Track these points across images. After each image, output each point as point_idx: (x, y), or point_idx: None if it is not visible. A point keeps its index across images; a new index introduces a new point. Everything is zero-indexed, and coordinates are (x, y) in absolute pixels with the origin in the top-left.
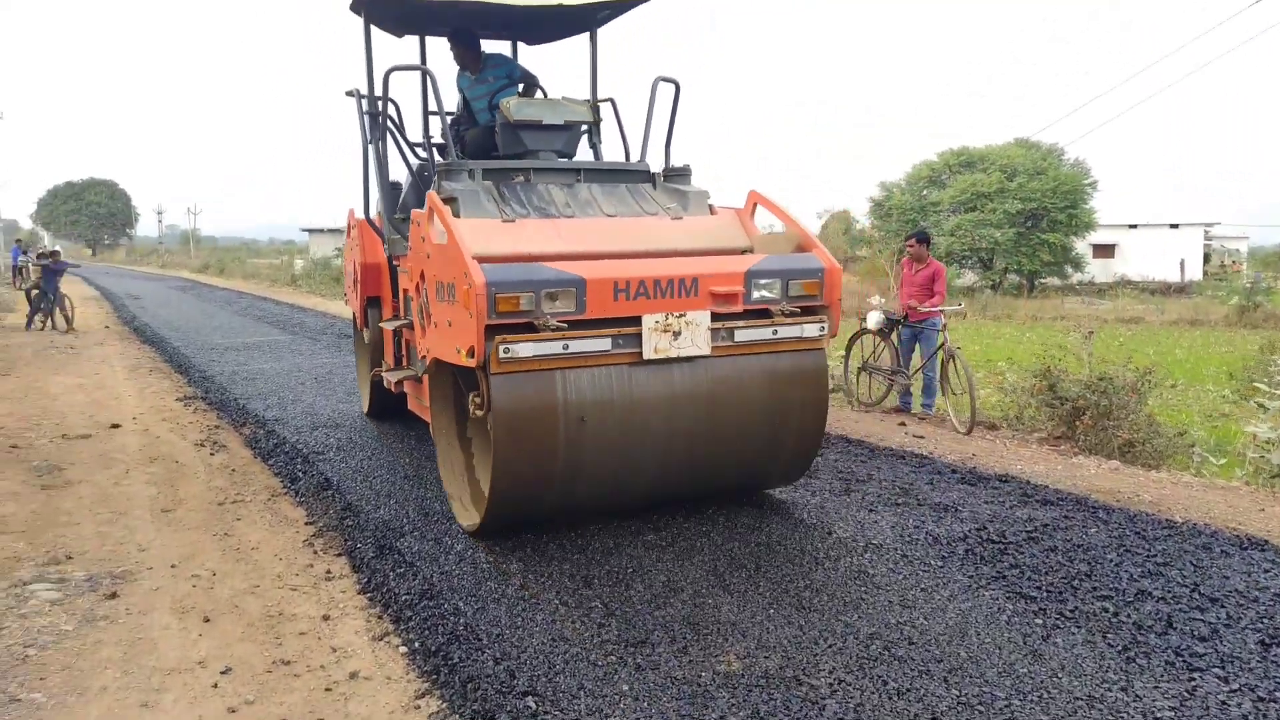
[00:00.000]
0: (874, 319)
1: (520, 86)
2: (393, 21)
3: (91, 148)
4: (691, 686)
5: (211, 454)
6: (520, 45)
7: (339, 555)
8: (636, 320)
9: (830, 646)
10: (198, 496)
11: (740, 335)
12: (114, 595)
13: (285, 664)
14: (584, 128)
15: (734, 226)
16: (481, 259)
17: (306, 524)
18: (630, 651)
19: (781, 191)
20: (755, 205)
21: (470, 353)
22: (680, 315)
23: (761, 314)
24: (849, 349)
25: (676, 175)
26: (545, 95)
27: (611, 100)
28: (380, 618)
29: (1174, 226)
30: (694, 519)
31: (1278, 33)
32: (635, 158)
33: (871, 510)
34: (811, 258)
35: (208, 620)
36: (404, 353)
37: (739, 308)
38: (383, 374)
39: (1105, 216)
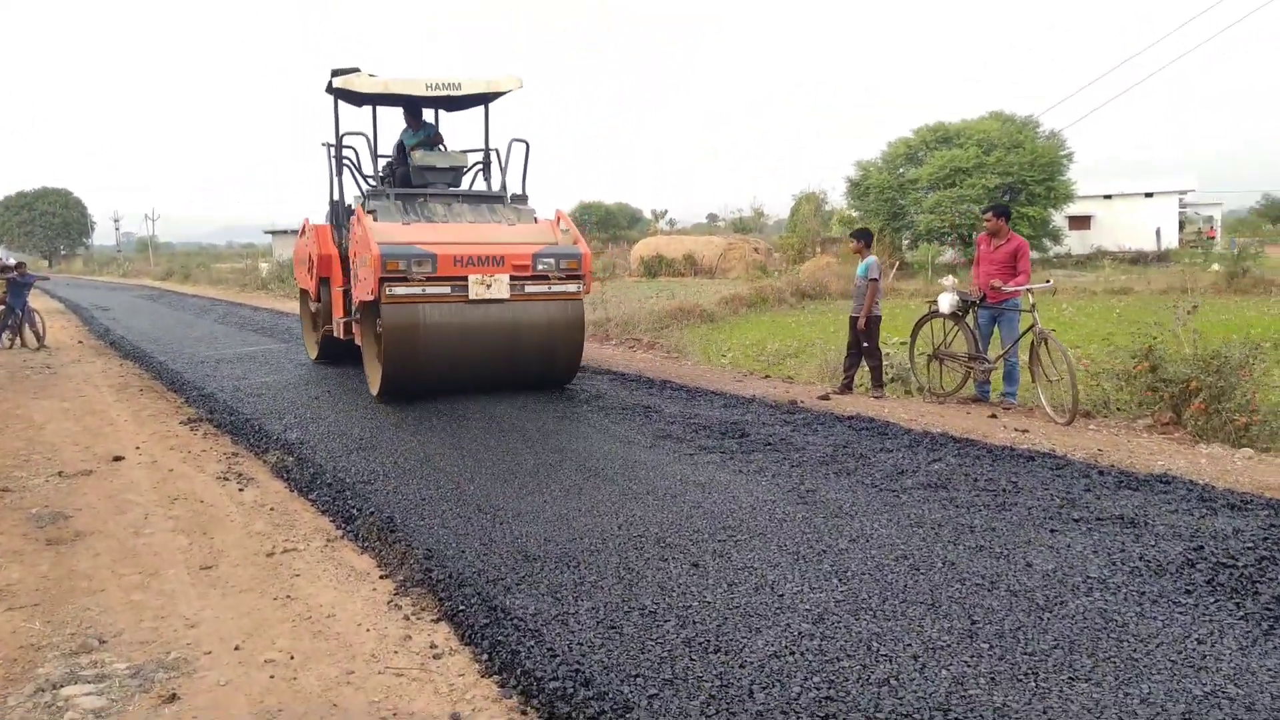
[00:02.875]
0: (947, 301)
1: (440, 145)
2: (353, 102)
3: (41, 156)
4: None
5: (240, 489)
6: (443, 112)
7: (437, 620)
8: (464, 278)
9: None
10: (239, 546)
11: (529, 288)
12: (173, 698)
13: None
14: (469, 170)
15: (543, 230)
16: (382, 243)
17: (382, 577)
18: None
19: (778, 166)
20: (559, 218)
21: (373, 291)
22: (491, 276)
23: (544, 278)
24: (914, 334)
25: (517, 199)
26: (445, 149)
27: (496, 150)
28: (524, 713)
29: (1148, 195)
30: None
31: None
32: (513, 188)
33: (1053, 530)
34: (576, 248)
35: None
36: (349, 307)
37: (529, 273)
38: (335, 321)
39: (1080, 188)
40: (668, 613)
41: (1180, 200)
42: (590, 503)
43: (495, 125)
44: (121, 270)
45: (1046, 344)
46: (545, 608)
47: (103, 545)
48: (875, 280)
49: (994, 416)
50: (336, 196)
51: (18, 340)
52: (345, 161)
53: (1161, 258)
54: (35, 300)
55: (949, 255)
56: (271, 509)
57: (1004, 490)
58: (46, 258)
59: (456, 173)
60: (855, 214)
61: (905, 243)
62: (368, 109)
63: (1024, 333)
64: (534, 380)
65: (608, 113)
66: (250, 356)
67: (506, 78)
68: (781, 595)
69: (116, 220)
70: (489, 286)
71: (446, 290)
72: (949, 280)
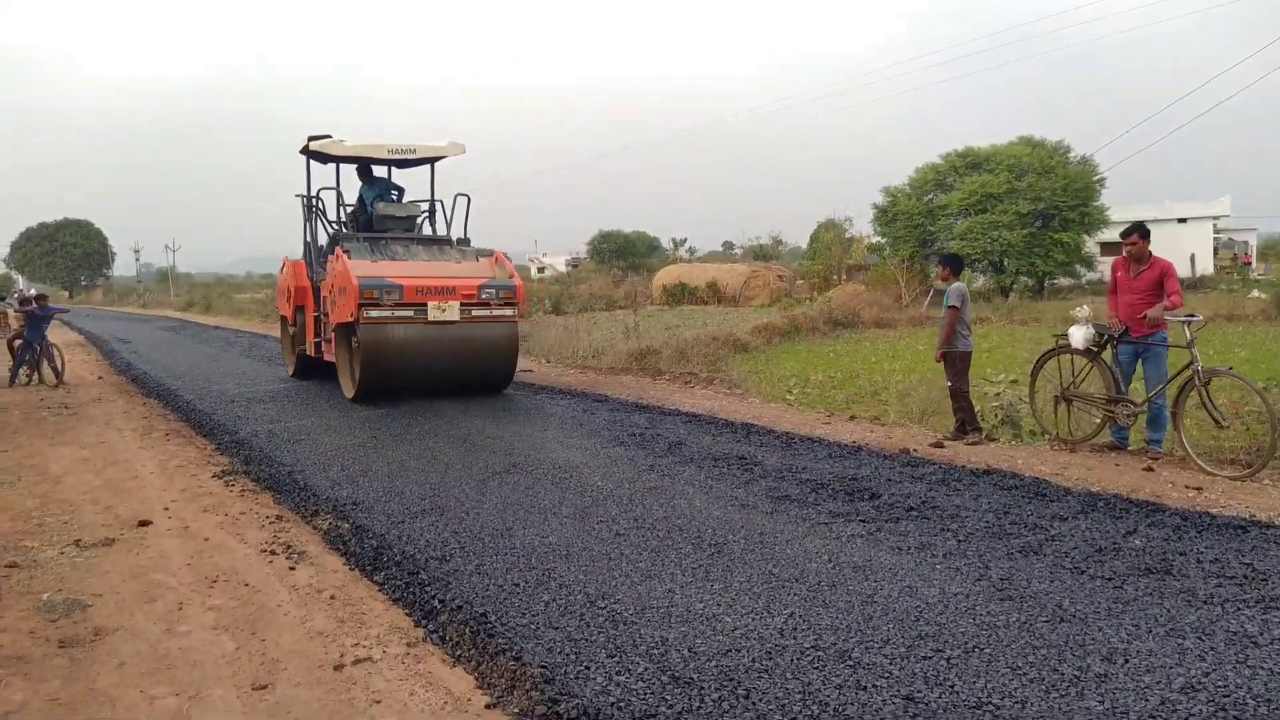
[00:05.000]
0: (1080, 335)
1: (393, 194)
2: (320, 161)
3: (63, 188)
4: None
5: (290, 567)
6: (395, 170)
7: None
8: (424, 304)
9: None
10: (298, 652)
11: (475, 312)
12: None
13: None
14: (420, 217)
15: (485, 266)
16: (360, 276)
17: (489, 706)
18: None
19: (794, 193)
20: (497, 256)
21: (352, 314)
22: (446, 302)
23: (486, 305)
24: (1036, 371)
25: (463, 242)
26: (401, 199)
27: (440, 201)
28: None
29: (1182, 221)
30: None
31: None
32: (456, 231)
33: None
34: (511, 281)
35: None
36: (320, 330)
37: (475, 300)
38: (309, 342)
39: (1113, 213)
40: None
41: (1214, 225)
42: (731, 594)
43: (522, 159)
44: (142, 301)
45: (1208, 386)
46: None
47: (128, 649)
48: (954, 308)
49: (1149, 469)
50: (309, 239)
51: (35, 376)
52: (316, 210)
53: (1196, 284)
54: (55, 333)
55: (980, 282)
56: (332, 597)
57: (1248, 579)
58: (67, 288)
59: (411, 220)
60: (882, 240)
61: (935, 270)
62: (332, 166)
63: (1180, 371)
64: (477, 384)
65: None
66: (283, 395)
67: (450, 144)
68: None
69: (137, 251)
70: (444, 310)
71: (410, 313)
72: (1083, 311)
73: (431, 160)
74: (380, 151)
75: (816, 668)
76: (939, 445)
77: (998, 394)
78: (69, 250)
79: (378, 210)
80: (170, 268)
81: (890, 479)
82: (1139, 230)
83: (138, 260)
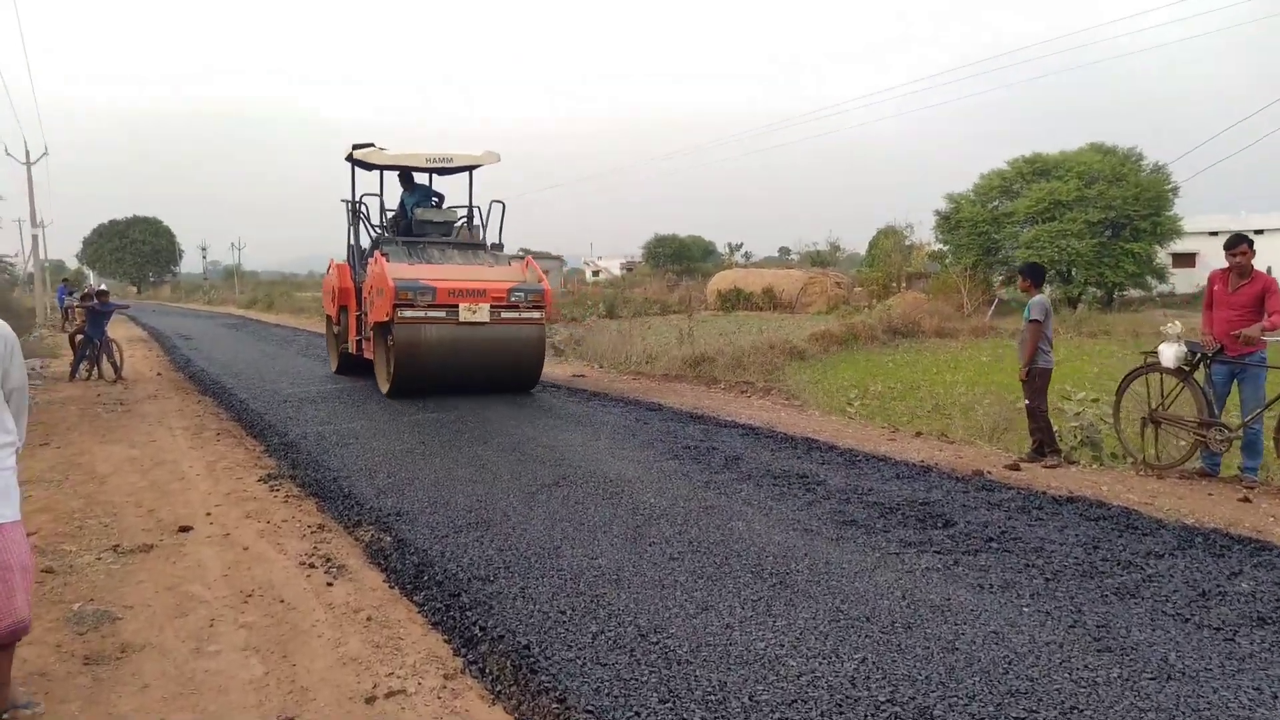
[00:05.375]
0: (1172, 353)
1: (432, 200)
2: (364, 169)
3: (133, 186)
4: None
5: (329, 583)
6: (437, 178)
7: None
8: (456, 306)
9: None
10: (329, 681)
11: (504, 314)
12: None
13: None
14: (458, 222)
15: (515, 271)
16: (396, 278)
17: None
18: None
19: (851, 200)
20: (528, 261)
21: (388, 314)
22: (477, 305)
23: (515, 307)
24: (1121, 391)
25: (496, 248)
26: (441, 205)
27: (478, 207)
28: None
29: (1259, 233)
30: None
31: None
32: (491, 238)
33: None
34: (539, 285)
35: None
36: (361, 328)
37: (505, 303)
38: (350, 340)
39: (1185, 224)
40: None
41: None
42: (795, 633)
43: (579, 162)
44: (207, 298)
45: None
46: None
47: (154, 669)
48: (1037, 322)
49: (1246, 500)
50: (353, 242)
51: (95, 371)
52: (360, 215)
53: None
54: (119, 328)
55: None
56: (368, 619)
57: None
58: (136, 284)
59: (449, 225)
60: (944, 248)
61: (999, 279)
62: (375, 173)
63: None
64: (506, 383)
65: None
66: (335, 395)
67: (485, 154)
68: None
69: (204, 248)
70: (475, 312)
71: (443, 314)
72: (1174, 327)
73: (469, 168)
74: (418, 160)
75: None
76: (1015, 468)
77: (1077, 413)
78: (138, 247)
79: (416, 216)
80: (235, 265)
81: (965, 504)
82: (1248, 241)
83: (204, 257)
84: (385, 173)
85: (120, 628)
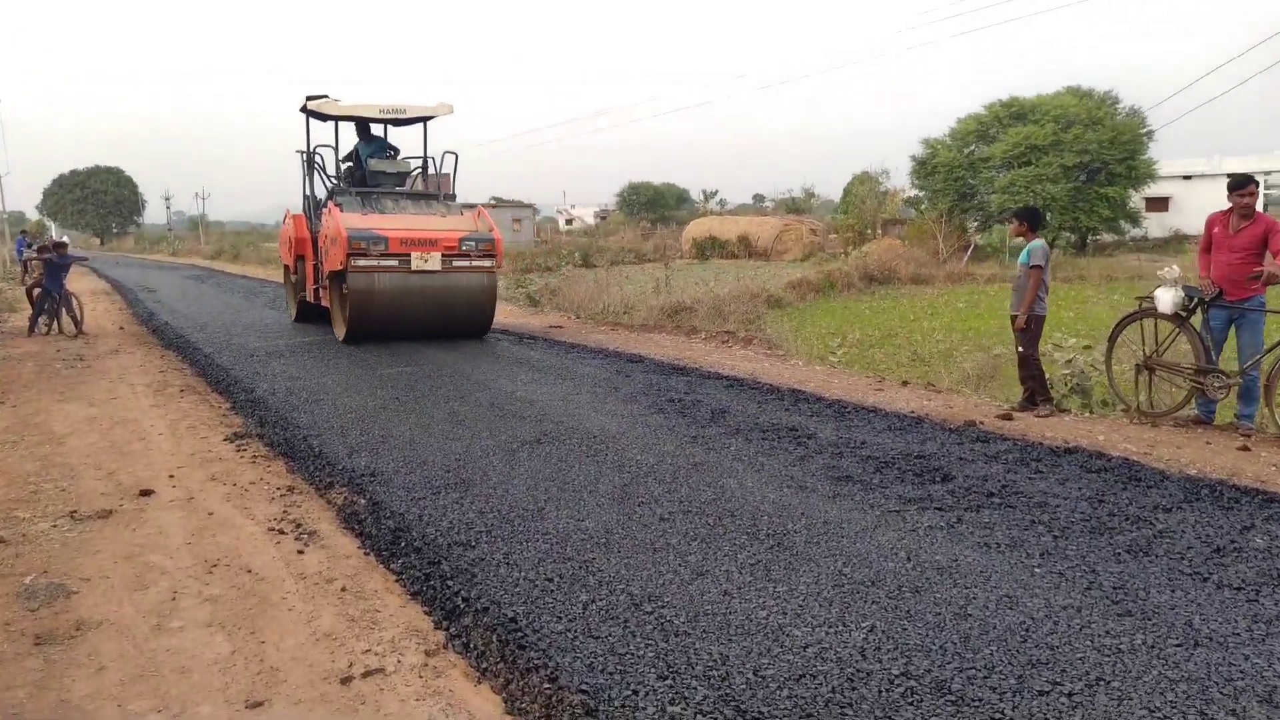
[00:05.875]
0: (1168, 298)
1: (387, 152)
2: (319, 120)
3: (94, 136)
4: None
5: (299, 551)
6: (391, 128)
7: None
8: (408, 255)
9: None
10: (301, 659)
11: (455, 263)
12: None
13: None
14: (412, 173)
15: (467, 220)
16: (349, 228)
17: None
18: None
19: (826, 145)
20: (480, 211)
21: (341, 263)
22: (428, 254)
23: (466, 256)
24: (1114, 337)
25: (448, 198)
26: (395, 157)
27: (432, 158)
28: None
29: (1230, 176)
30: None
31: None
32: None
33: None
34: (490, 234)
35: None
36: (318, 277)
37: (456, 251)
38: (308, 289)
39: (1159, 168)
40: None
41: (1264, 182)
42: (798, 600)
43: (551, 111)
44: (171, 249)
45: None
46: None
47: (111, 649)
48: (1039, 267)
49: (1245, 449)
50: (309, 192)
51: (54, 326)
52: (315, 165)
53: None
54: (81, 281)
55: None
56: (343, 589)
57: None
58: (99, 236)
59: (402, 176)
60: (919, 193)
61: (974, 224)
62: (330, 124)
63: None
64: (459, 330)
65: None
66: (303, 349)
67: (439, 105)
68: None
69: (167, 199)
70: (426, 261)
71: (395, 263)
72: (1171, 271)
73: (423, 119)
74: (372, 110)
75: (911, 703)
76: (1007, 417)
77: (1069, 360)
78: (100, 198)
79: (370, 167)
80: (200, 216)
81: (962, 457)
82: (1255, 182)
83: (168, 208)
84: (340, 124)
85: (75, 603)
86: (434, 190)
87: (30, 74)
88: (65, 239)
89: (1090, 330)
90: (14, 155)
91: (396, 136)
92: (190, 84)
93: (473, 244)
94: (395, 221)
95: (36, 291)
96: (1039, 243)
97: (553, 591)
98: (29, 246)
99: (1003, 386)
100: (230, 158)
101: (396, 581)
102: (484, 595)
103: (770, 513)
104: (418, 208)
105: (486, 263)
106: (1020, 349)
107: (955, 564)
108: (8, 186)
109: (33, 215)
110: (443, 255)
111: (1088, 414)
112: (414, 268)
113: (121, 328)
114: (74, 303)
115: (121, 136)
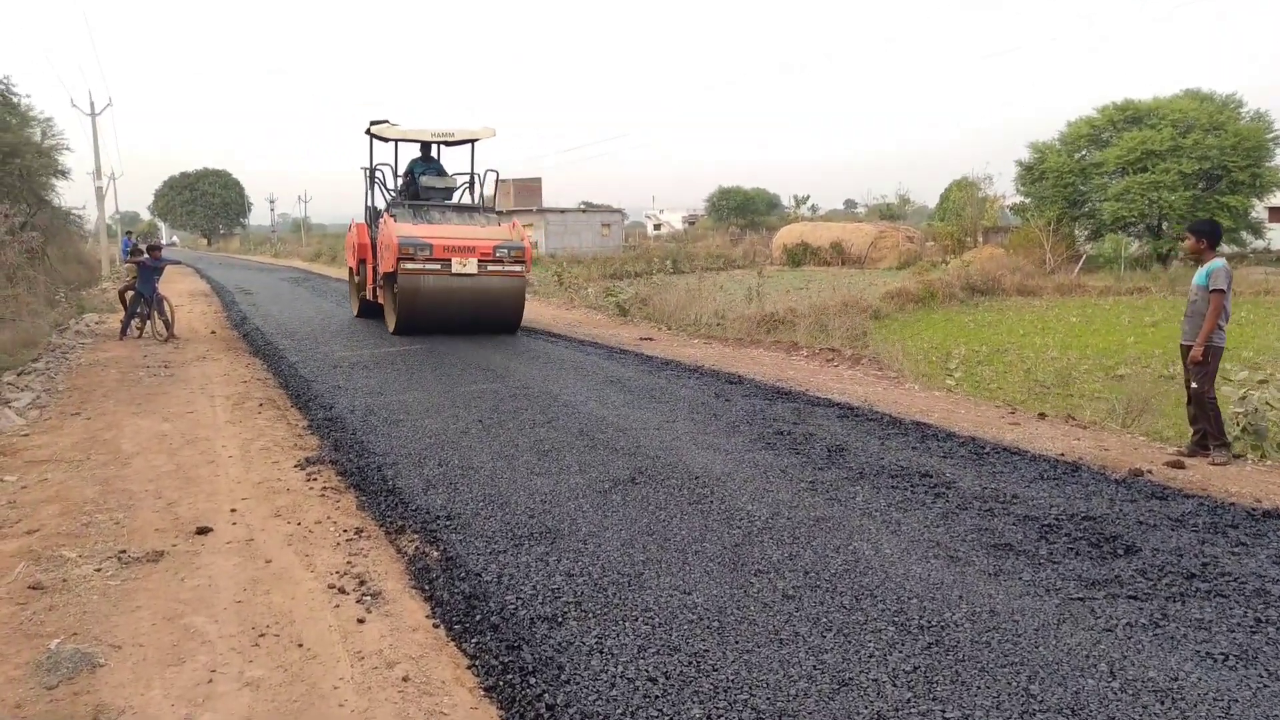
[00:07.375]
0: None
1: (435, 169)
2: (381, 141)
3: (205, 139)
4: None
5: (360, 619)
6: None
7: None
8: (449, 260)
9: None
10: None
11: (490, 268)
12: None
13: None
14: (460, 189)
15: (504, 231)
16: (400, 236)
17: None
18: None
19: (921, 151)
20: (514, 223)
21: (393, 266)
22: (466, 259)
23: (500, 261)
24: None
25: (490, 209)
26: (444, 175)
27: (478, 174)
28: None
29: None
30: None
31: None
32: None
33: None
34: (521, 243)
35: None
36: (376, 277)
37: (491, 257)
38: (368, 288)
39: None
40: None
41: None
42: None
43: (640, 113)
44: (274, 250)
45: None
46: None
47: None
48: (1220, 291)
49: None
50: (370, 204)
51: (146, 329)
52: (376, 181)
53: None
54: (182, 282)
55: (1135, 248)
56: (404, 679)
57: None
58: (206, 236)
59: (450, 191)
60: (1025, 200)
61: (1084, 234)
62: (391, 144)
63: None
64: (491, 326)
65: (750, 97)
66: (389, 360)
67: (483, 129)
68: None
69: (272, 201)
70: (465, 265)
71: (438, 267)
72: None
73: (470, 141)
74: (425, 135)
75: None
76: (1178, 465)
77: (1241, 396)
78: (208, 200)
79: (421, 182)
80: (303, 218)
81: (1141, 520)
82: None
83: (272, 210)
84: (400, 145)
85: (99, 680)
86: (477, 203)
87: (145, 75)
88: (158, 242)
89: (1255, 356)
90: (127, 157)
91: (449, 156)
92: (293, 86)
93: (505, 251)
94: (440, 231)
95: (129, 294)
96: (1220, 262)
97: (657, 699)
98: (134, 248)
99: (1159, 421)
100: (331, 161)
101: (469, 670)
102: (573, 701)
103: (919, 594)
104: (461, 219)
105: (517, 268)
106: (1194, 384)
107: (1177, 686)
108: (121, 188)
109: (145, 216)
110: (479, 260)
111: (1266, 461)
112: (455, 271)
113: (213, 332)
114: (165, 306)
115: (229, 143)
